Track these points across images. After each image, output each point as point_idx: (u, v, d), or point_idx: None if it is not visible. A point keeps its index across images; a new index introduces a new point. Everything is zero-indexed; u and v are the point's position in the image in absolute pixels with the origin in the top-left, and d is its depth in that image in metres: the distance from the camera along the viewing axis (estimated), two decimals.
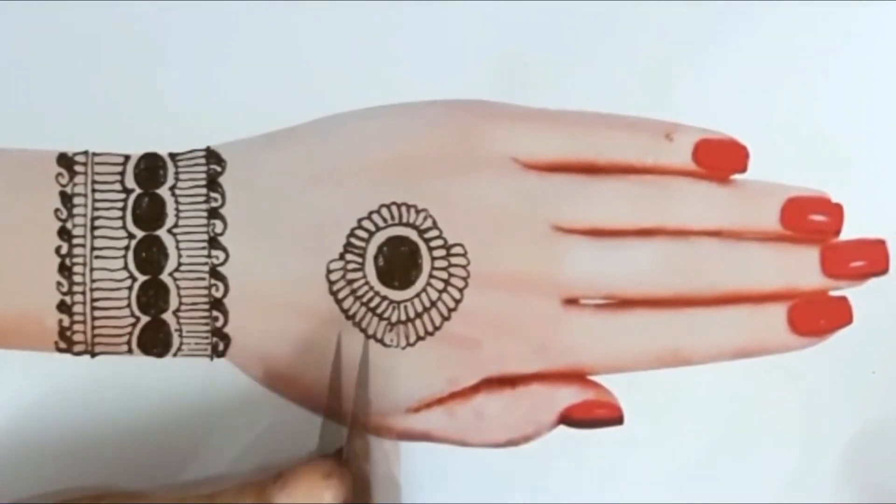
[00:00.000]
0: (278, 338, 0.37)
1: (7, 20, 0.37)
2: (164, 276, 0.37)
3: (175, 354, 0.37)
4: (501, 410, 0.37)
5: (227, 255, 0.37)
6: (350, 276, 0.37)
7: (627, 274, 0.37)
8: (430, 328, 0.37)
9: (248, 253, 0.37)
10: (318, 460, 0.33)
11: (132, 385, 0.37)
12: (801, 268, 0.37)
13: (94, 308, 0.36)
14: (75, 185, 0.37)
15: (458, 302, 0.37)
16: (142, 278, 0.37)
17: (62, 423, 0.36)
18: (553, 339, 0.37)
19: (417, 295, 0.37)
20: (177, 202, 0.37)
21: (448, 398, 0.37)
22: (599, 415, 0.37)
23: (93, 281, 0.36)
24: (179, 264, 0.37)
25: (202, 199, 0.37)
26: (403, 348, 0.37)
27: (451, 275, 0.37)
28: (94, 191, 0.37)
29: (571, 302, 0.37)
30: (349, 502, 0.32)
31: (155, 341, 0.37)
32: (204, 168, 0.37)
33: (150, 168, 0.37)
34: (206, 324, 0.37)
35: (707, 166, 0.37)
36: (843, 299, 0.37)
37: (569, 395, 0.37)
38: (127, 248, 0.37)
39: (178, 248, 0.37)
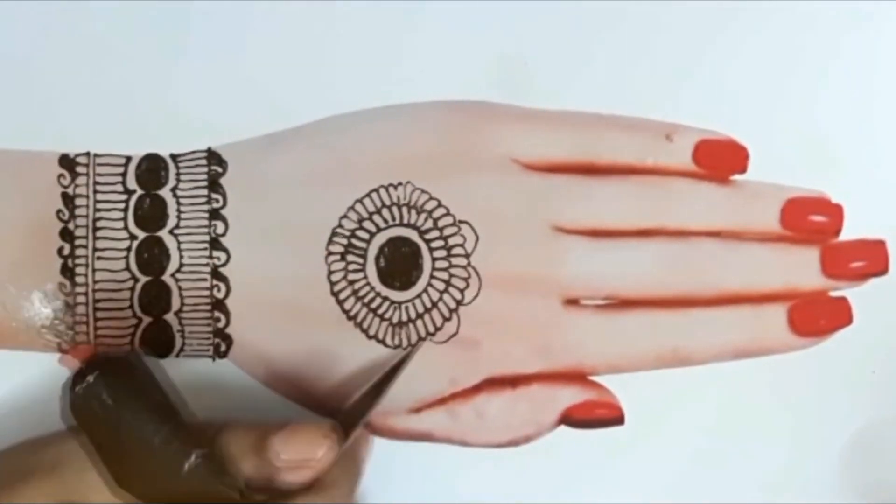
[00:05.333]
0: (280, 338, 0.37)
1: (9, 21, 0.37)
2: (166, 277, 0.37)
3: (177, 355, 0.37)
4: (502, 410, 0.37)
5: (229, 257, 0.37)
6: (351, 276, 0.37)
7: (628, 274, 0.37)
8: (431, 329, 0.37)
9: (250, 254, 0.37)
10: (322, 421, 0.34)
11: None
12: (801, 268, 0.37)
13: (96, 309, 0.36)
14: (77, 186, 0.37)
15: (459, 302, 0.37)
16: (144, 279, 0.37)
17: (62, 424, 0.36)
18: (554, 340, 0.37)
19: (419, 296, 0.37)
20: (178, 203, 0.37)
21: (449, 398, 0.37)
22: (600, 415, 0.37)
23: (95, 282, 0.37)
24: (181, 265, 0.37)
25: (203, 200, 0.37)
26: (405, 349, 0.37)
27: (451, 275, 0.37)
28: (95, 192, 0.37)
29: (572, 302, 0.37)
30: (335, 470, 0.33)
31: (157, 342, 0.37)
32: (205, 169, 0.37)
33: (152, 169, 0.37)
34: (208, 325, 0.37)
35: (707, 167, 0.38)
36: (843, 300, 0.37)
37: (570, 396, 0.37)
38: (129, 249, 0.37)
39: (179, 250, 0.37)
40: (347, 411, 0.35)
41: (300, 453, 0.33)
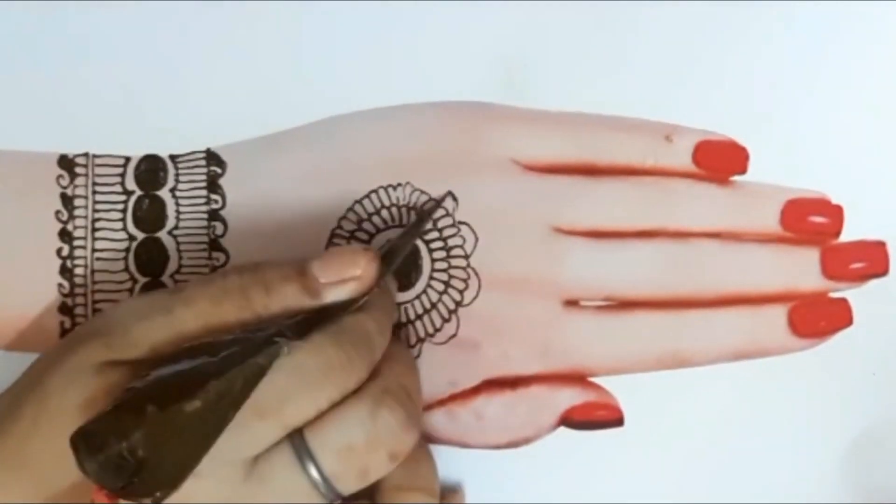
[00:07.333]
0: None
1: (8, 21, 0.37)
2: (165, 279, 0.37)
3: None
4: (502, 412, 0.37)
5: (228, 258, 0.37)
6: None
7: (628, 275, 0.37)
8: (430, 330, 0.37)
9: (249, 255, 0.37)
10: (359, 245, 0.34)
11: None
12: (801, 269, 0.37)
13: (95, 310, 0.36)
14: (76, 186, 0.37)
15: (458, 303, 0.37)
16: (142, 280, 0.37)
17: None
18: (553, 341, 0.37)
19: (418, 296, 0.37)
20: (177, 204, 0.37)
21: (448, 400, 0.37)
22: (600, 416, 0.37)
23: (94, 283, 0.37)
24: (180, 266, 0.37)
25: (203, 200, 0.37)
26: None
27: (451, 276, 0.37)
28: (94, 192, 0.37)
29: (572, 303, 0.37)
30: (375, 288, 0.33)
31: None
32: (204, 170, 0.37)
33: (151, 170, 0.37)
34: None
35: (707, 168, 0.37)
36: (843, 301, 0.37)
37: (569, 397, 0.37)
38: (128, 249, 0.37)
39: (178, 251, 0.37)
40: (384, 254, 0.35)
41: (339, 272, 0.32)
